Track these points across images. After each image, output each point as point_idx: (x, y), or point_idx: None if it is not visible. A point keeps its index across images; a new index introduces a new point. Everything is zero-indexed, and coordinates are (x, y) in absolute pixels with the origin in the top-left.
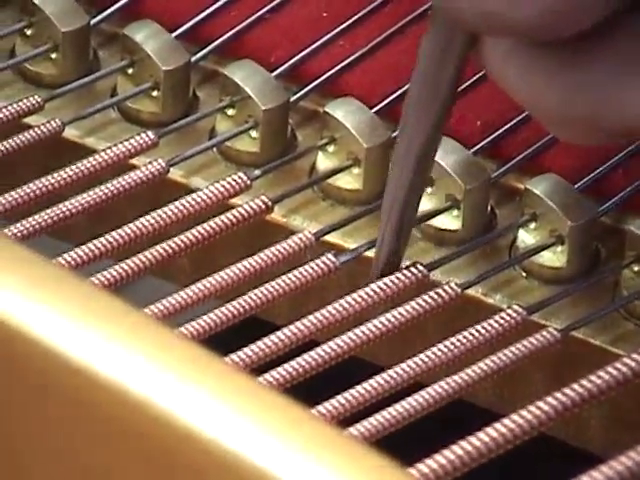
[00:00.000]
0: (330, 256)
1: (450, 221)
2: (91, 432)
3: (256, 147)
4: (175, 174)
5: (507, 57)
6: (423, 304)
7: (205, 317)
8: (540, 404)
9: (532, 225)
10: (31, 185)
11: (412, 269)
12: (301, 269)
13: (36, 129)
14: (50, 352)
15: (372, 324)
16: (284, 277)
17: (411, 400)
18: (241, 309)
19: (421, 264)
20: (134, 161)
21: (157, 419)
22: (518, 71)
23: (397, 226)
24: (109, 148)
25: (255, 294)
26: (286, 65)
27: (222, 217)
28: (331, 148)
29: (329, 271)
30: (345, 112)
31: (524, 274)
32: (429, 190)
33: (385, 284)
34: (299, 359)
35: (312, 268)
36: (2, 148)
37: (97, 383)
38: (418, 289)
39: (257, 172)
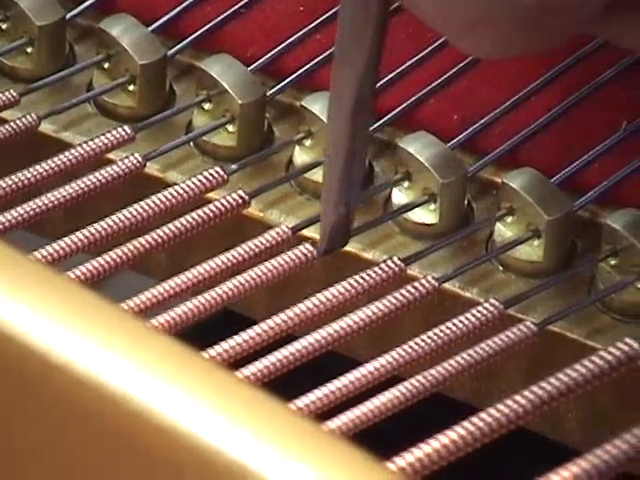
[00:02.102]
0: (308, 245)
1: (427, 215)
2: (67, 428)
3: (233, 141)
4: (152, 168)
5: None
6: (400, 298)
7: (178, 309)
8: (517, 398)
9: (509, 219)
10: (7, 180)
11: (389, 263)
12: (278, 259)
13: (12, 123)
14: (26, 348)
15: (349, 318)
16: (260, 267)
17: (388, 394)
18: (215, 300)
19: (398, 258)
20: (111, 155)
21: (133, 414)
22: None
23: (343, 181)
24: (85, 143)
25: (230, 285)
26: (263, 59)
27: (199, 211)
28: (308, 142)
29: (307, 261)
30: (322, 106)
31: (501, 268)
32: (406, 184)
33: (363, 278)
34: (277, 353)
35: (290, 257)
36: None
37: (73, 379)
38: (395, 283)
39: (234, 166)
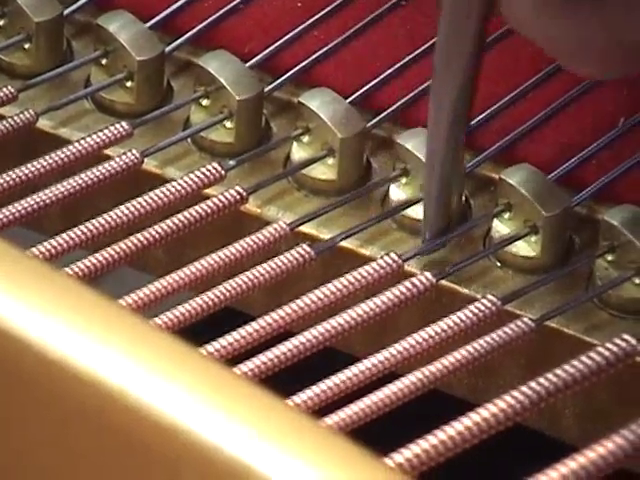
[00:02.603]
0: (305, 246)
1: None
2: (64, 424)
3: (231, 137)
4: (149, 164)
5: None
6: (398, 294)
7: (180, 308)
8: (514, 394)
9: (506, 215)
10: (4, 176)
11: (387, 259)
12: (277, 259)
13: (10, 120)
14: (23, 344)
15: (347, 315)
16: (259, 268)
17: (386, 390)
18: (216, 300)
19: (396, 254)
20: (108, 152)
21: (131, 410)
22: (536, 7)
23: (441, 179)
24: (83, 139)
25: (230, 285)
26: (260, 55)
27: (197, 208)
28: (306, 138)
29: (305, 261)
30: (320, 102)
31: (499, 264)
32: (404, 180)
33: (360, 274)
34: (274, 350)
35: (288, 258)
36: None
37: (71, 375)
38: (393, 279)
39: (232, 162)
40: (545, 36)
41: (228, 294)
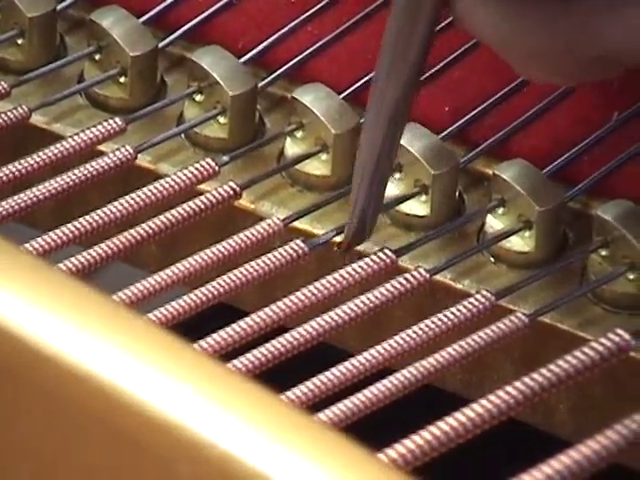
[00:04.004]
0: (299, 242)
1: (418, 206)
2: (59, 421)
3: (224, 133)
4: (143, 160)
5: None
6: (392, 290)
7: (174, 303)
8: (508, 389)
9: (500, 210)
10: None
11: (380, 255)
12: (270, 255)
13: (3, 115)
14: (17, 340)
15: (341, 310)
16: (253, 263)
17: (380, 385)
18: (210, 295)
19: (390, 249)
20: (102, 147)
21: (124, 406)
22: (488, 11)
23: (368, 189)
24: (76, 134)
25: (224, 280)
26: (254, 51)
27: (190, 203)
28: (299, 134)
29: (298, 257)
30: (313, 98)
31: (492, 259)
32: (397, 176)
33: (354, 269)
34: (268, 345)
35: (281, 254)
36: None
37: (65, 371)
38: (387, 275)
39: (225, 158)
40: (498, 40)
41: (222, 289)
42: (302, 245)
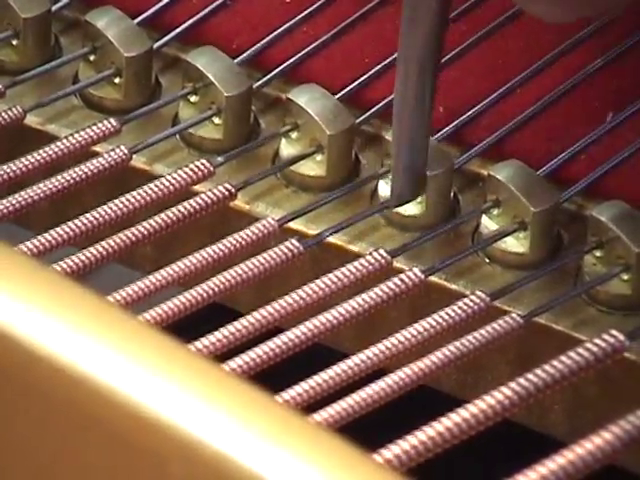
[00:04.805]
0: (294, 241)
1: (413, 207)
2: (53, 420)
3: (219, 134)
4: (138, 161)
5: None
6: (387, 290)
7: (168, 303)
8: (503, 390)
9: (495, 211)
10: None
11: (375, 255)
12: (265, 254)
13: None
14: (11, 341)
15: (336, 311)
16: (247, 262)
17: (375, 386)
18: (204, 295)
19: (384, 250)
20: (97, 148)
21: (119, 406)
22: None
23: (410, 137)
24: (71, 135)
25: (218, 280)
26: (249, 52)
27: (185, 204)
28: (294, 135)
29: (293, 256)
30: (308, 99)
31: (487, 260)
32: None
33: (349, 270)
34: (263, 346)
35: (276, 253)
36: None
37: (59, 371)
38: (381, 275)
39: (220, 159)
40: None
41: (216, 289)
42: (297, 244)
